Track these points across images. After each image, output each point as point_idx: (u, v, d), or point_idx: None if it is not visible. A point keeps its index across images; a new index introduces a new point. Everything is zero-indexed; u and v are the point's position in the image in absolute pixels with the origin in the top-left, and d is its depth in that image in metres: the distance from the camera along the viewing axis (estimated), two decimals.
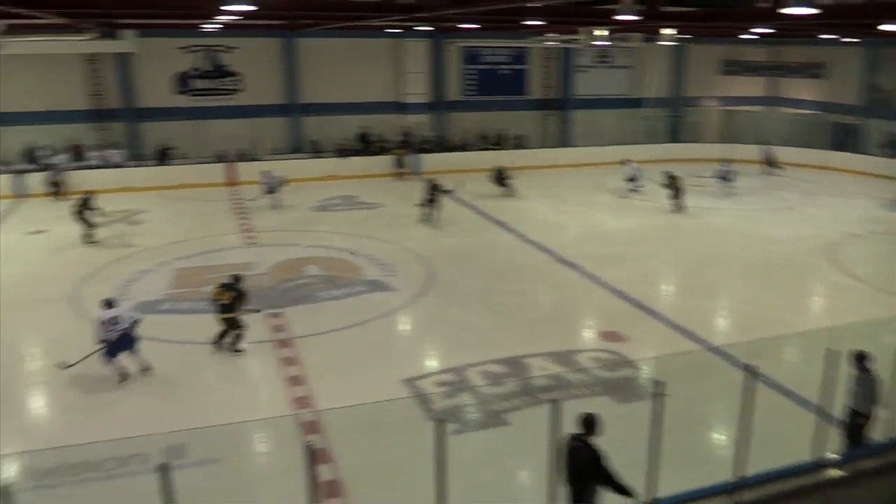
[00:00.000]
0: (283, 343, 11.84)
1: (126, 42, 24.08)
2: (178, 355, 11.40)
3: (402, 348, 12.28)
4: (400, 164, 26.46)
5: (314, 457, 4.94)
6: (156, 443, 7.68)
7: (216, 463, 8.26)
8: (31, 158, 23.94)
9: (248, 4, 11.92)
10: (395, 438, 8.49)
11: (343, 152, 27.02)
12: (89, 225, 17.51)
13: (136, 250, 17.04)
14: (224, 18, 17.03)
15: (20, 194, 22.66)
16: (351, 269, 15.59)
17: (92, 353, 10.26)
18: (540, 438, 5.64)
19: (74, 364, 10.37)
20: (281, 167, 23.26)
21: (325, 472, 7.69)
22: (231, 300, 11.27)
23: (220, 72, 26.43)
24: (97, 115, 25.28)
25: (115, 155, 24.49)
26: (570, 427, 5.94)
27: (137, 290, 14.32)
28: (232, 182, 24.46)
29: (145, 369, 10.60)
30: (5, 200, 22.20)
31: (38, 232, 18.84)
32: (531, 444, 7.10)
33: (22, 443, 8.97)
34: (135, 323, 10.44)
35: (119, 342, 10.23)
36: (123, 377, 10.37)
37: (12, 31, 16.48)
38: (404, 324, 13.33)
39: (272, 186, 21.17)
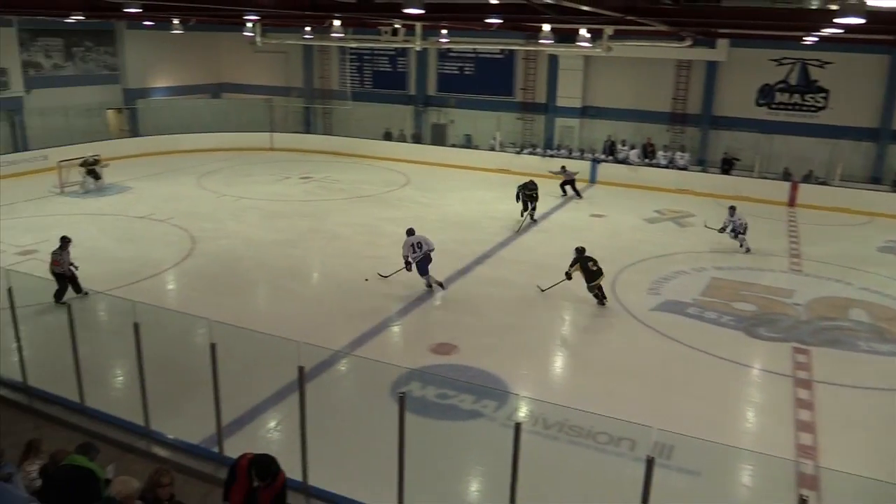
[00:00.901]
0: (803, 383, 10.88)
1: (718, 51, 24.70)
2: (685, 359, 11.57)
3: None
4: None
5: None
6: (645, 434, 7.86)
7: (696, 476, 8.13)
8: (609, 150, 26.50)
9: (860, 17, 10.93)
10: None
11: None
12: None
13: (678, 250, 17.53)
14: (827, 31, 15.99)
15: (593, 180, 25.44)
16: None
17: (400, 269, 14.21)
18: None
19: (389, 275, 14.55)
20: (851, 197, 21.16)
21: None
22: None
23: (807, 87, 25.02)
24: (673, 118, 26.61)
25: (681, 157, 25.44)
26: None
27: (669, 288, 14.76)
28: (792, 202, 23.18)
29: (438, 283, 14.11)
30: (580, 183, 25.10)
31: (598, 216, 20.87)
32: None
33: (540, 391, 10.24)
34: (431, 250, 13.89)
35: (423, 261, 13.78)
36: (430, 286, 14.01)
37: (620, 35, 18.36)
38: None
39: (736, 227, 17.63)
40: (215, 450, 8.04)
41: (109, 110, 30.41)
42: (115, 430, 8.68)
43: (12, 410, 9.30)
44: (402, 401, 6.55)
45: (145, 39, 30.11)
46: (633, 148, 26.07)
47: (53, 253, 13.12)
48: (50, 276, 12.71)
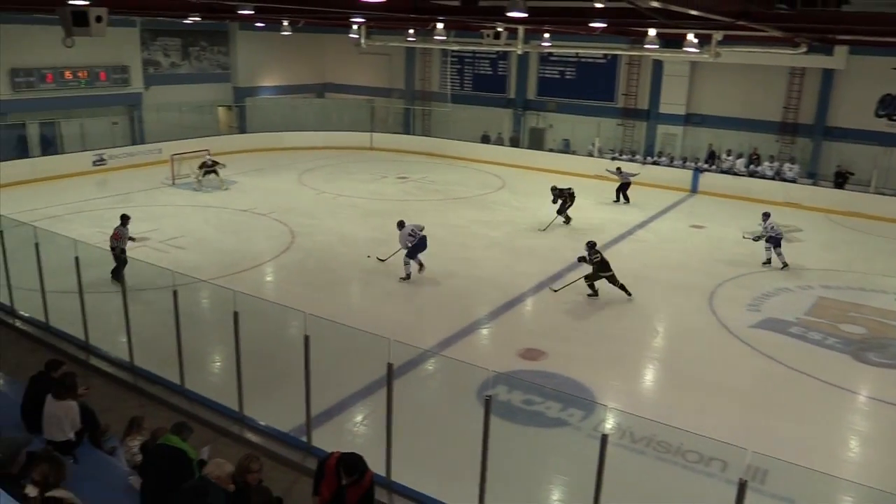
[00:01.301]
0: None
1: (835, 58, 23.42)
2: (785, 380, 11.10)
3: None
4: None
5: None
6: (738, 456, 7.54)
7: None
8: (709, 158, 25.65)
9: None
10: None
11: None
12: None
13: (772, 269, 16.77)
14: None
15: (694, 189, 24.67)
16: None
17: (395, 253, 15.04)
18: None
19: (385, 259, 15.55)
20: None
21: None
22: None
23: None
24: (783, 128, 25.46)
25: (789, 169, 24.30)
26: None
27: (771, 305, 14.14)
28: None
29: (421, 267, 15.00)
30: (680, 192, 24.42)
31: (698, 227, 20.22)
32: None
33: (628, 403, 10.01)
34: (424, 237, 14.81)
35: (417, 247, 14.67)
36: (409, 273, 14.78)
37: (730, 40, 17.73)
38: None
39: (774, 234, 16.48)
40: (304, 439, 8.26)
41: (220, 107, 31.81)
42: (211, 413, 9.05)
43: (118, 388, 9.85)
44: (487, 404, 6.54)
45: (256, 40, 31.32)
46: (739, 157, 25.13)
47: (116, 228, 14.06)
48: (152, 262, 13.36)
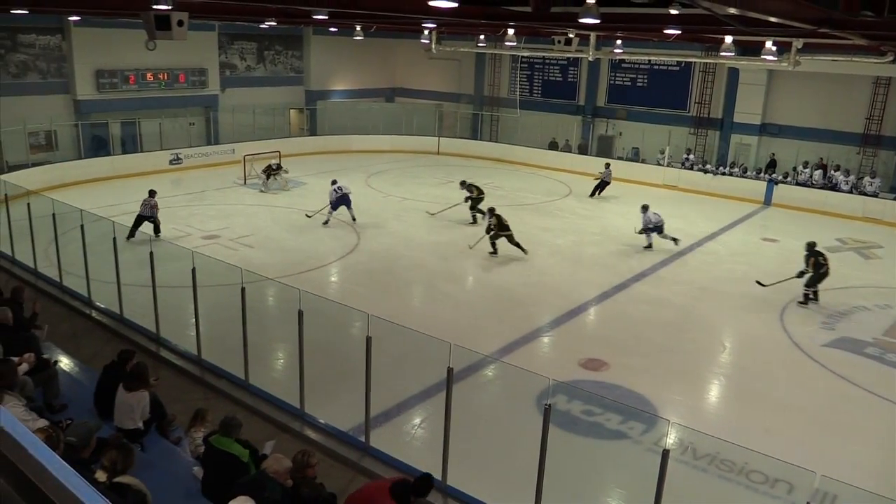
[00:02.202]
0: None
1: None
2: (858, 402, 10.67)
3: None
4: None
5: None
6: (805, 479, 7.27)
7: None
8: (772, 167, 24.86)
9: None
10: None
11: None
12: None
13: (860, 284, 16.11)
14: None
15: (767, 202, 23.94)
16: None
17: (322, 209, 19.31)
18: None
19: (312, 215, 19.32)
20: None
21: None
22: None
23: None
24: (865, 140, 24.46)
25: (870, 183, 23.31)
26: None
27: (846, 324, 13.59)
28: None
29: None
30: (753, 204, 23.73)
31: (770, 240, 19.60)
32: None
33: (691, 418, 9.75)
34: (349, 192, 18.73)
35: (339, 200, 18.49)
36: (328, 220, 18.73)
37: (810, 48, 17.14)
38: None
39: (654, 225, 18.01)
40: (362, 439, 8.33)
41: (292, 110, 32.48)
42: (273, 408, 9.22)
43: (185, 380, 10.14)
44: (546, 412, 6.47)
45: (328, 44, 31.89)
46: (816, 169, 24.23)
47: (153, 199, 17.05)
48: (221, 259, 13.74)
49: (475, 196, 19.84)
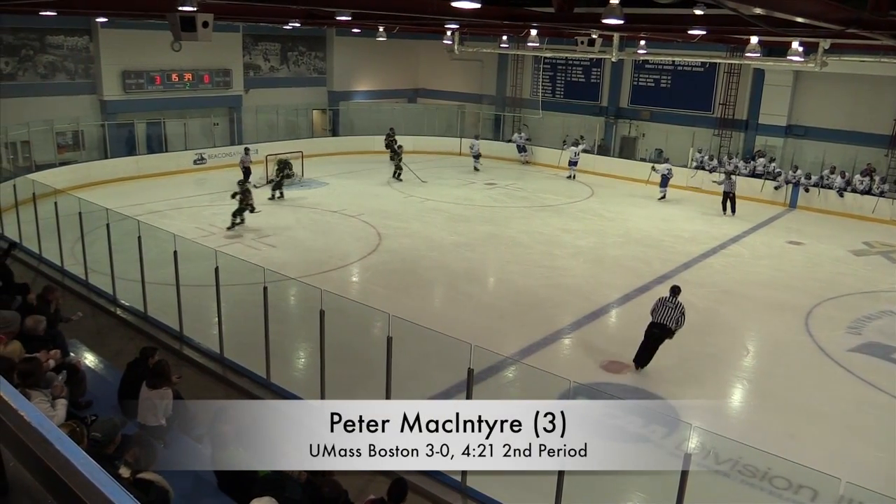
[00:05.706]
0: None
1: None
2: (885, 409, 10.49)
3: None
4: None
5: None
6: (830, 485, 7.18)
7: None
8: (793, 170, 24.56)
9: None
10: None
11: None
12: None
13: (887, 288, 15.87)
14: None
15: (792, 204, 23.65)
16: None
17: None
18: None
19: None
20: None
21: None
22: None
23: None
24: (894, 142, 24.06)
25: None
26: None
27: (874, 328, 13.39)
28: None
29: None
30: (778, 207, 23.47)
31: (796, 243, 19.37)
32: None
33: (713, 422, 9.65)
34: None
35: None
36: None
37: (838, 49, 16.92)
38: None
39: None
40: None
41: (315, 111, 32.64)
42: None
43: (208, 378, 10.23)
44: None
45: (351, 45, 32.00)
46: (843, 175, 23.78)
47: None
48: (244, 258, 13.85)
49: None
